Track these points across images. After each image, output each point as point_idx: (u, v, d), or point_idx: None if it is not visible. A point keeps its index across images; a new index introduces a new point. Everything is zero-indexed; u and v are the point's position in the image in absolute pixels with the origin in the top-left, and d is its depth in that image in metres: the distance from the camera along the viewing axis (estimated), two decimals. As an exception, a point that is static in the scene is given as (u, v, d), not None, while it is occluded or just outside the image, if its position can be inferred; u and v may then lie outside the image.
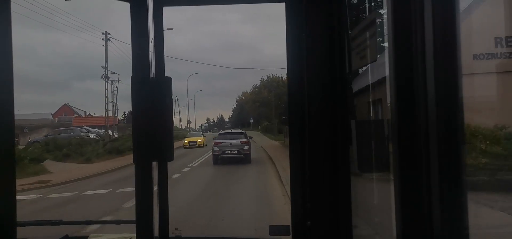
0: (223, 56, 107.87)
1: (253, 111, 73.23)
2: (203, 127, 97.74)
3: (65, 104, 69.43)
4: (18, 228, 1.86)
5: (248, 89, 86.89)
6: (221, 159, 18.72)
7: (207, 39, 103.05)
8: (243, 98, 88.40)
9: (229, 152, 18.71)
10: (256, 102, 71.94)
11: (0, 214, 1.50)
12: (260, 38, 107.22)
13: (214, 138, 21.31)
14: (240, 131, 25.23)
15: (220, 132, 25.68)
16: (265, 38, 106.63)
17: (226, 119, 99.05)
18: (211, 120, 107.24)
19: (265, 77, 72.42)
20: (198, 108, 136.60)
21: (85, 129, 37.28)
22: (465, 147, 1.03)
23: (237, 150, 18.75)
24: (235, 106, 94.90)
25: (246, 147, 18.86)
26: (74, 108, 68.80)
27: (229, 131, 25.51)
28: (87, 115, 64.40)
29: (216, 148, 19.21)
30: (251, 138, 22.31)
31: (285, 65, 1.72)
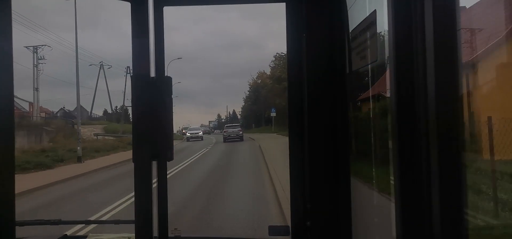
0: (227, 53, 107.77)
1: (275, 97, 47.84)
2: (211, 125, 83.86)
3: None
4: (16, 227, 1.86)
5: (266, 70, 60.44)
6: (227, 139, 35.71)
7: (209, 37, 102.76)
8: (258, 81, 63.81)
9: (232, 135, 36.10)
10: (283, 82, 40.91)
11: None
12: (262, 35, 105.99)
13: (224, 128, 41.25)
14: (237, 124, 45.21)
15: (226, 125, 45.35)
16: (267, 36, 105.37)
17: (239, 116, 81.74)
18: (222, 117, 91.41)
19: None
20: (209, 105, 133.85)
21: None
22: (465, 146, 1.03)
23: (236, 134, 36.25)
24: (248, 93, 70.24)
25: (240, 133, 36.59)
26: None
27: (231, 124, 43.54)
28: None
29: (225, 134, 37.38)
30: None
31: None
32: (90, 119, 55.27)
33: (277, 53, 54.72)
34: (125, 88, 53.92)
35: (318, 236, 1.59)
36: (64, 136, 32.50)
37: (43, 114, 45.67)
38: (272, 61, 57.35)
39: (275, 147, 21.14)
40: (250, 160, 19.54)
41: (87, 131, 40.34)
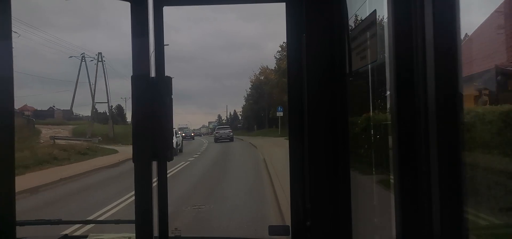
0: (227, 54, 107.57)
1: (282, 93, 43.23)
2: (211, 125, 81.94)
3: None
4: (17, 227, 1.86)
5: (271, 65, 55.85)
6: (218, 139, 39.16)
7: (209, 38, 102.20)
8: (261, 77, 59.68)
9: (223, 136, 39.96)
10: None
11: None
12: (262, 35, 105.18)
13: (215, 129, 44.73)
14: (228, 126, 48.62)
15: (217, 126, 49.27)
16: (267, 36, 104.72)
17: (240, 117, 79.16)
18: (223, 118, 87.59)
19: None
20: (210, 107, 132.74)
21: None
22: (465, 146, 1.03)
23: (227, 135, 40.03)
24: (249, 91, 65.63)
25: (231, 134, 40.55)
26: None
27: (223, 126, 47.69)
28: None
29: (216, 135, 41.09)
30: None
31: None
32: (67, 119, 49.64)
33: (283, 42, 47.37)
34: (95, 78, 45.21)
35: (318, 236, 1.59)
36: (20, 139, 25.77)
37: (29, 112, 44.60)
38: (278, 51, 52.61)
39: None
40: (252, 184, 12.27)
41: (50, 133, 35.09)
